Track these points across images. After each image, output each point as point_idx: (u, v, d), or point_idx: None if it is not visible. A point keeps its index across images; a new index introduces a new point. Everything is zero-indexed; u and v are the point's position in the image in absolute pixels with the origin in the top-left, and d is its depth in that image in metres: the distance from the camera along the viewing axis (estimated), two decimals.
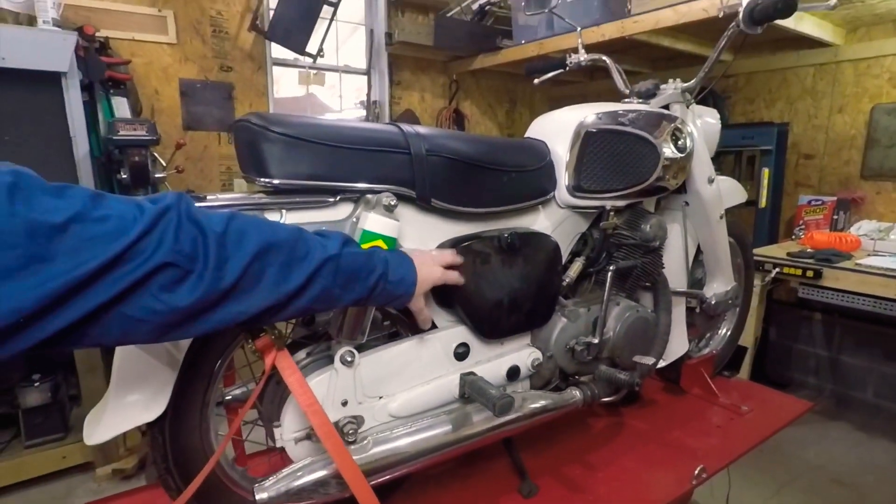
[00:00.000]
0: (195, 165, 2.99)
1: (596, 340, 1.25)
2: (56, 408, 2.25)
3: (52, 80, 2.02)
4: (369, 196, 0.93)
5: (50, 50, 1.97)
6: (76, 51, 2.06)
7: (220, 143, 3.09)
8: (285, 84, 3.85)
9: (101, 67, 2.26)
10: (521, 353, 1.19)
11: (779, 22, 1.29)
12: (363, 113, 3.72)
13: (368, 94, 3.66)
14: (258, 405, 1.01)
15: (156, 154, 2.25)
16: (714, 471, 1.35)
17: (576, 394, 1.24)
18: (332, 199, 0.92)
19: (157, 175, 2.18)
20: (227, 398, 1.09)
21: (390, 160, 0.95)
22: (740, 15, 1.24)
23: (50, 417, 2.24)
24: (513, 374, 1.16)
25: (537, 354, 1.20)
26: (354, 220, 0.94)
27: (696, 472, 1.30)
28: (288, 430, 0.93)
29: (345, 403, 0.96)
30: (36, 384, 2.17)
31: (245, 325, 0.73)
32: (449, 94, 3.98)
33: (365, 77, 3.69)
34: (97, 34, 2.38)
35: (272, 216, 0.88)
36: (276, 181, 0.86)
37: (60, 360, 2.33)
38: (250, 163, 0.87)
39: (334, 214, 0.93)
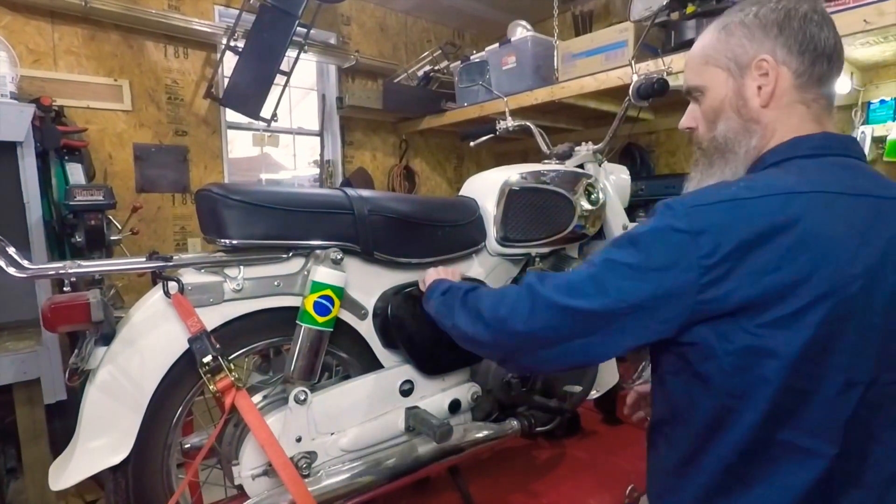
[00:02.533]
0: (149, 227, 3.03)
1: (529, 373, 1.39)
2: None
3: (7, 149, 2.08)
4: (318, 251, 1.07)
5: (7, 122, 2.05)
6: (32, 121, 2.14)
7: (175, 203, 3.15)
8: (240, 144, 3.98)
9: (56, 136, 2.33)
10: (462, 387, 1.31)
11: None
12: (317, 171, 3.88)
13: (322, 154, 3.83)
14: (217, 447, 1.08)
15: (111, 217, 2.30)
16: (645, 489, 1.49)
17: (514, 423, 1.36)
18: (285, 255, 1.05)
19: (112, 238, 2.22)
20: (186, 446, 1.15)
21: (336, 220, 1.09)
22: (630, 92, 1.50)
23: None
24: (455, 407, 1.28)
25: (476, 388, 1.33)
26: (306, 272, 1.07)
27: (628, 490, 1.43)
28: (246, 467, 1.00)
29: (299, 440, 1.05)
30: None
31: None
32: (399, 153, 4.21)
33: (318, 138, 3.87)
34: (53, 103, 2.46)
35: (231, 272, 1.00)
36: (234, 241, 0.99)
37: None
38: (212, 226, 1.00)
39: (287, 268, 1.06)
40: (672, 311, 0.68)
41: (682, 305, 0.67)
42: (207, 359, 0.90)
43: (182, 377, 0.96)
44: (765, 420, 0.66)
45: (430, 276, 1.14)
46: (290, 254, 1.06)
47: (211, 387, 0.91)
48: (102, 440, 0.88)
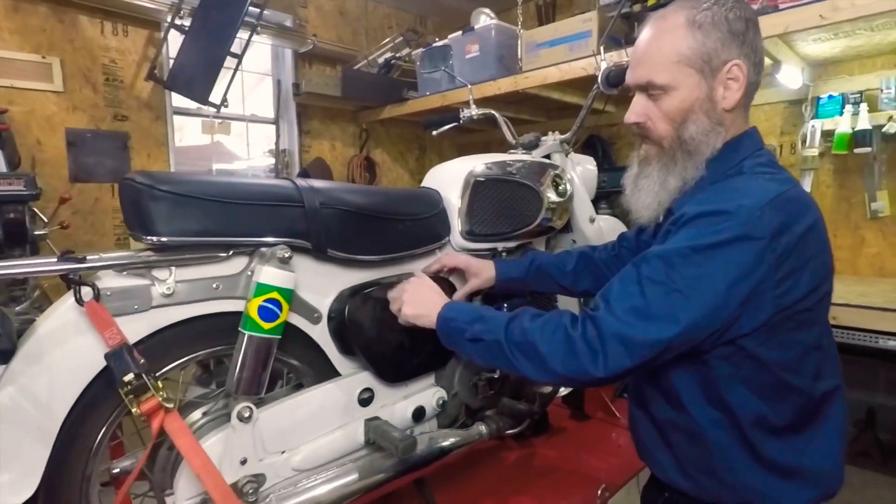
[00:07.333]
0: (85, 220, 2.80)
1: (497, 375, 1.32)
2: None
3: None
4: (263, 249, 0.95)
5: None
6: None
7: (114, 195, 2.92)
8: (189, 132, 3.74)
9: None
10: (426, 393, 1.22)
11: None
12: (272, 161, 3.69)
13: (277, 143, 3.65)
14: (148, 474, 0.95)
15: (36, 209, 2.09)
16: (616, 488, 1.45)
17: (482, 429, 1.28)
18: (224, 254, 0.93)
19: (36, 232, 2.01)
20: (115, 471, 1.02)
21: (284, 214, 0.98)
22: (599, 79, 1.43)
23: None
24: (419, 414, 1.19)
25: (442, 393, 1.24)
26: (249, 273, 0.95)
27: (599, 492, 1.38)
28: (181, 497, 0.88)
29: (244, 462, 0.93)
30: None
31: None
32: (360, 143, 4.06)
33: (273, 126, 3.68)
34: None
35: (160, 273, 0.87)
36: (163, 238, 0.86)
37: None
38: (136, 221, 0.86)
39: (227, 269, 0.94)
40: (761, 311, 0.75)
41: (766, 302, 0.74)
42: (129, 377, 0.78)
43: (101, 398, 0.83)
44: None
45: (408, 295, 1.03)
46: (231, 252, 0.94)
47: (134, 409, 0.78)
48: (2, 477, 0.74)
